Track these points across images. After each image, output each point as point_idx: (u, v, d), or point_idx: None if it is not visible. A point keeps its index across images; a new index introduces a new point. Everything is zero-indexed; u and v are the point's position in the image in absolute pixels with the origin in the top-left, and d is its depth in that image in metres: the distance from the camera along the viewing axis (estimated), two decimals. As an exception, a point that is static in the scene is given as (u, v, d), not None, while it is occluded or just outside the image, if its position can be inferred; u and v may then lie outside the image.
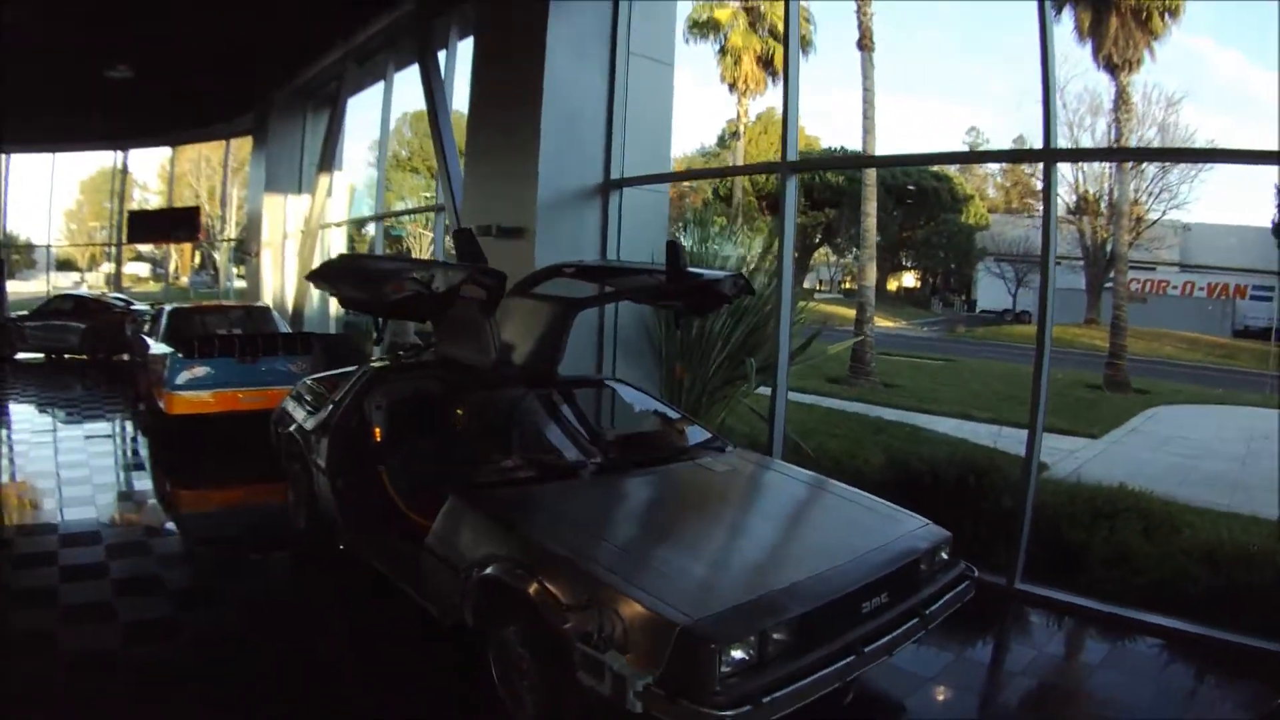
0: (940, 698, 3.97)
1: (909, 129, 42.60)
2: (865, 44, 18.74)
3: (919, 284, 41.32)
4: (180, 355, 8.40)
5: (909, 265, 40.79)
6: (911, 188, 33.61)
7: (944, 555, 3.85)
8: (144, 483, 7.60)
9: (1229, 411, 17.68)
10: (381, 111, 12.38)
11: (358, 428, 4.80)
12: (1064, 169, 25.40)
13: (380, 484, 4.56)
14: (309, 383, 5.90)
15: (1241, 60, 42.74)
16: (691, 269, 4.66)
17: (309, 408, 5.44)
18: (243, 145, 34.37)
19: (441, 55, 10.37)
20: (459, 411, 5.11)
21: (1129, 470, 9.22)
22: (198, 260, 32.95)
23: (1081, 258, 32.39)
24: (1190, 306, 34.27)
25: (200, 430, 8.54)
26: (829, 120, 57.42)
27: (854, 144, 29.45)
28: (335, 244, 14.23)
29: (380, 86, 12.85)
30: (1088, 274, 32.99)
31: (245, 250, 15.19)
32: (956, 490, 5.88)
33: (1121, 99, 19.55)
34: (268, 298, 14.67)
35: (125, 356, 12.52)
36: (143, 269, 38.88)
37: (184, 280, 29.53)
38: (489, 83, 7.95)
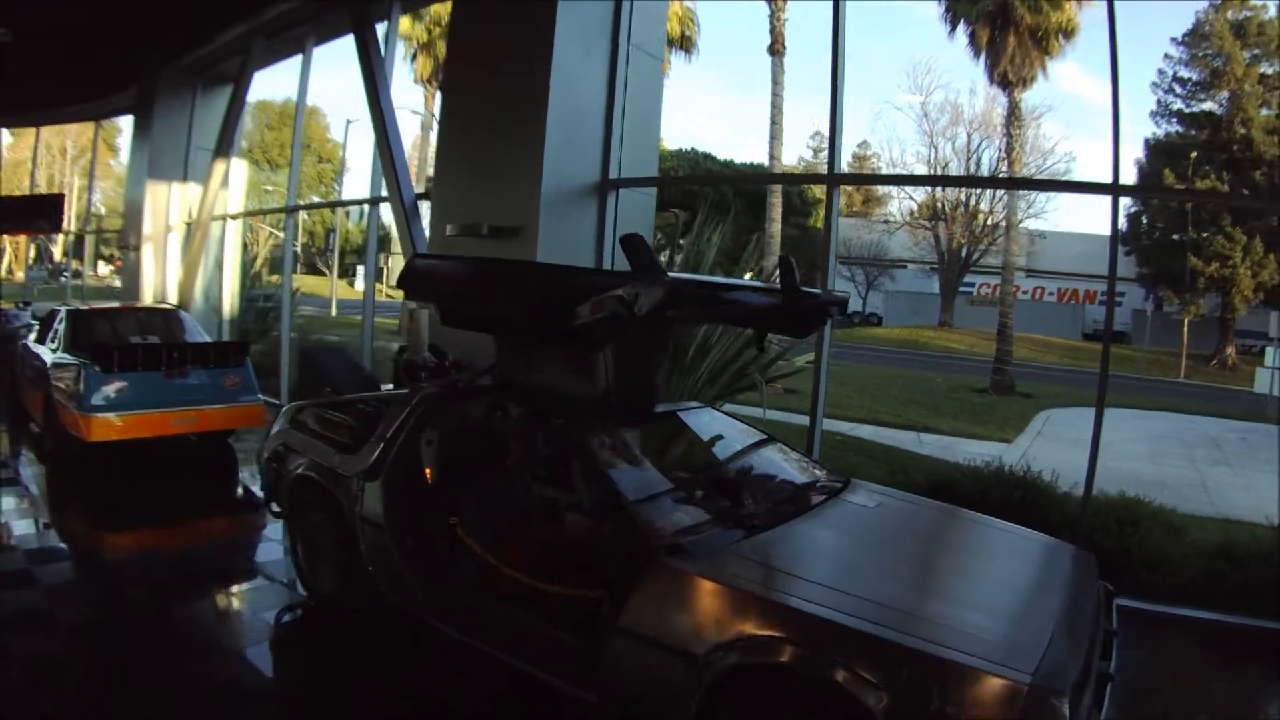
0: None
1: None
2: (777, 49, 18.84)
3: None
4: (97, 369, 7.14)
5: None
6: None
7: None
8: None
9: (1111, 414, 18.76)
10: (298, 89, 11.20)
11: (419, 470, 4.06)
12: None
13: (456, 539, 3.85)
14: (321, 411, 4.89)
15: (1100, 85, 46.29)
16: (806, 288, 4.15)
17: (334, 444, 4.53)
18: (83, 131, 31.14)
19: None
20: (539, 447, 4.42)
21: (1064, 475, 9.49)
22: (33, 254, 29.34)
23: (936, 263, 34.29)
24: (1041, 311, 36.84)
25: (119, 457, 7.31)
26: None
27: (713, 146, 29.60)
28: (231, 237, 12.85)
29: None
30: (942, 278, 34.95)
31: (123, 243, 13.40)
32: (1003, 507, 5.79)
33: (1013, 115, 20.54)
34: (147, 296, 13.03)
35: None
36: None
37: (19, 275, 26.14)
38: (479, 70, 7.19)
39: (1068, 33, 19.72)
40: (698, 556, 3.11)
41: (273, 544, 5.81)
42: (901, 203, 34.28)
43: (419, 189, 8.60)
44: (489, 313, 3.67)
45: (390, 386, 5.77)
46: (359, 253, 46.42)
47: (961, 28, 20.54)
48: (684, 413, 4.55)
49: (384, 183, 8.81)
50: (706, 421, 4.58)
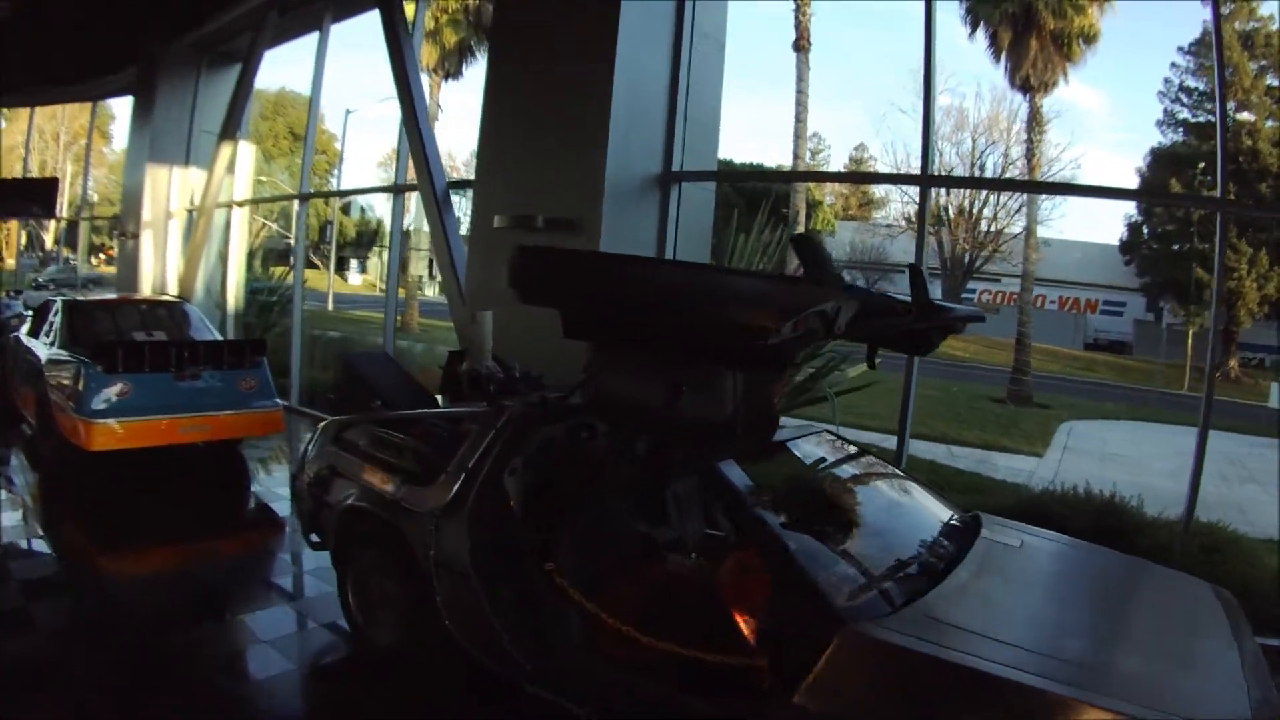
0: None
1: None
2: (802, 44, 18.29)
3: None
4: (99, 368, 6.43)
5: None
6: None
7: None
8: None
9: (1131, 426, 18.56)
10: (314, 69, 10.47)
11: (508, 507, 3.44)
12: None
13: (557, 589, 3.24)
14: (375, 431, 4.19)
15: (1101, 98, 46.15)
16: (940, 302, 3.59)
17: (399, 471, 3.86)
18: (78, 114, 29.94)
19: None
20: (655, 480, 3.77)
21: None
22: (24, 240, 28.22)
23: (939, 269, 33.87)
24: (1043, 319, 36.63)
25: (121, 468, 6.61)
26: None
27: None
28: (236, 226, 12.10)
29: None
30: (945, 284, 34.57)
31: (121, 231, 12.62)
32: (1096, 534, 5.31)
33: (1035, 120, 20.12)
34: (146, 287, 12.27)
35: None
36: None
37: (9, 263, 25.07)
38: (531, 55, 6.60)
39: (1089, 38, 19.31)
40: (890, 622, 2.66)
41: (306, 574, 5.19)
42: (904, 205, 33.72)
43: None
44: (648, 325, 3.08)
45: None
46: (354, 246, 45.66)
47: (982, 30, 20.06)
48: (803, 439, 3.94)
49: (413, 170, 8.20)
50: (825, 449, 3.97)
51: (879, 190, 40.06)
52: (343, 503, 4.01)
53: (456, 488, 3.49)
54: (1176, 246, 28.75)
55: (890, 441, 6.88)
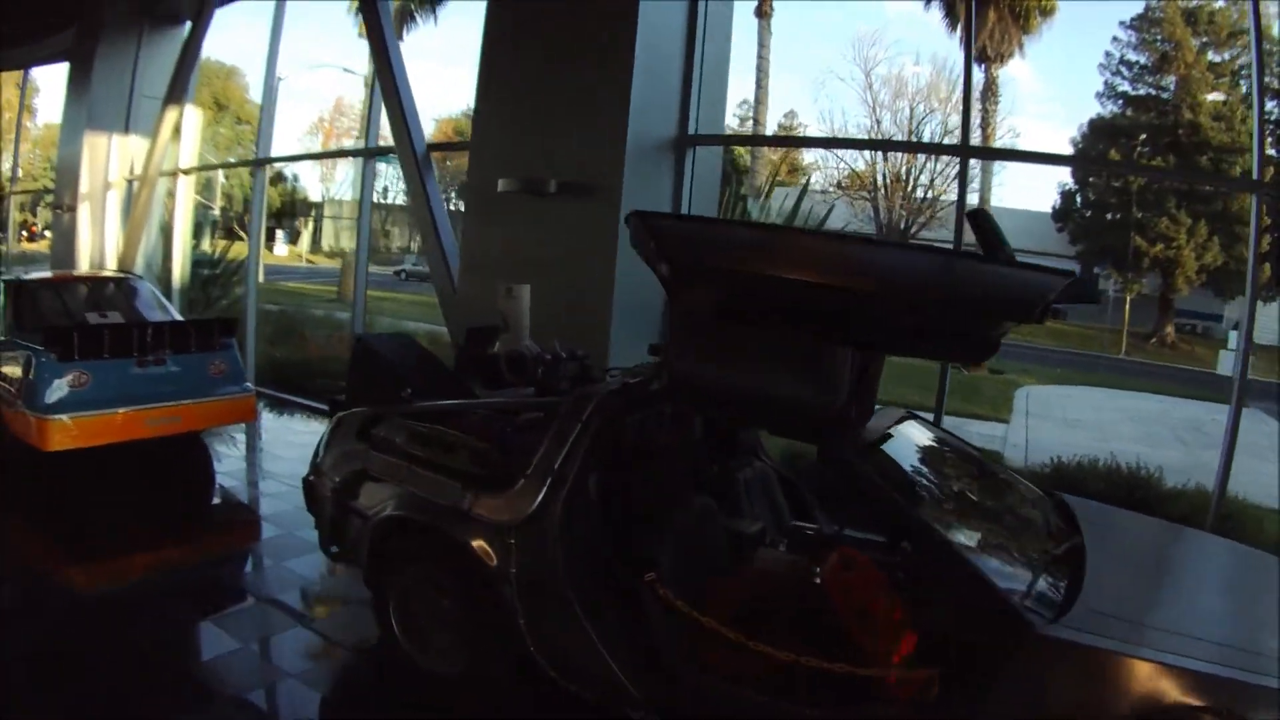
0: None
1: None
2: (765, 10, 17.90)
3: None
4: (52, 356, 5.70)
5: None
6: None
7: None
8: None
9: (1084, 391, 18.93)
10: (272, 23, 9.61)
11: (598, 511, 3.02)
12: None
13: (664, 602, 2.83)
14: (415, 425, 3.62)
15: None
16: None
17: (457, 475, 3.32)
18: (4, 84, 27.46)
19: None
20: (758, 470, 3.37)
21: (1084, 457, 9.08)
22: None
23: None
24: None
25: (82, 466, 5.90)
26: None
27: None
28: (182, 196, 11.21)
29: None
30: (883, 249, 34.72)
31: (58, 203, 11.58)
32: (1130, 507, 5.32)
33: (990, 90, 20.17)
34: (84, 263, 11.27)
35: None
36: None
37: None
38: (538, 8, 6.05)
39: (1045, 10, 19.40)
40: (1071, 621, 2.50)
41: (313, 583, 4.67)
42: (835, 171, 33.47)
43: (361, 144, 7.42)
44: (842, 310, 2.68)
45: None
46: (277, 217, 43.84)
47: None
48: (901, 424, 3.58)
49: (391, 132, 7.57)
50: (922, 435, 3.64)
51: (808, 156, 39.59)
52: (381, 512, 3.48)
53: (543, 494, 3.02)
54: (1110, 215, 29.40)
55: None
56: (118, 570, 4.71)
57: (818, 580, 2.98)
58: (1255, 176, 5.42)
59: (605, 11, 5.70)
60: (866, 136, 24.15)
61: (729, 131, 23.84)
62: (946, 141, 25.57)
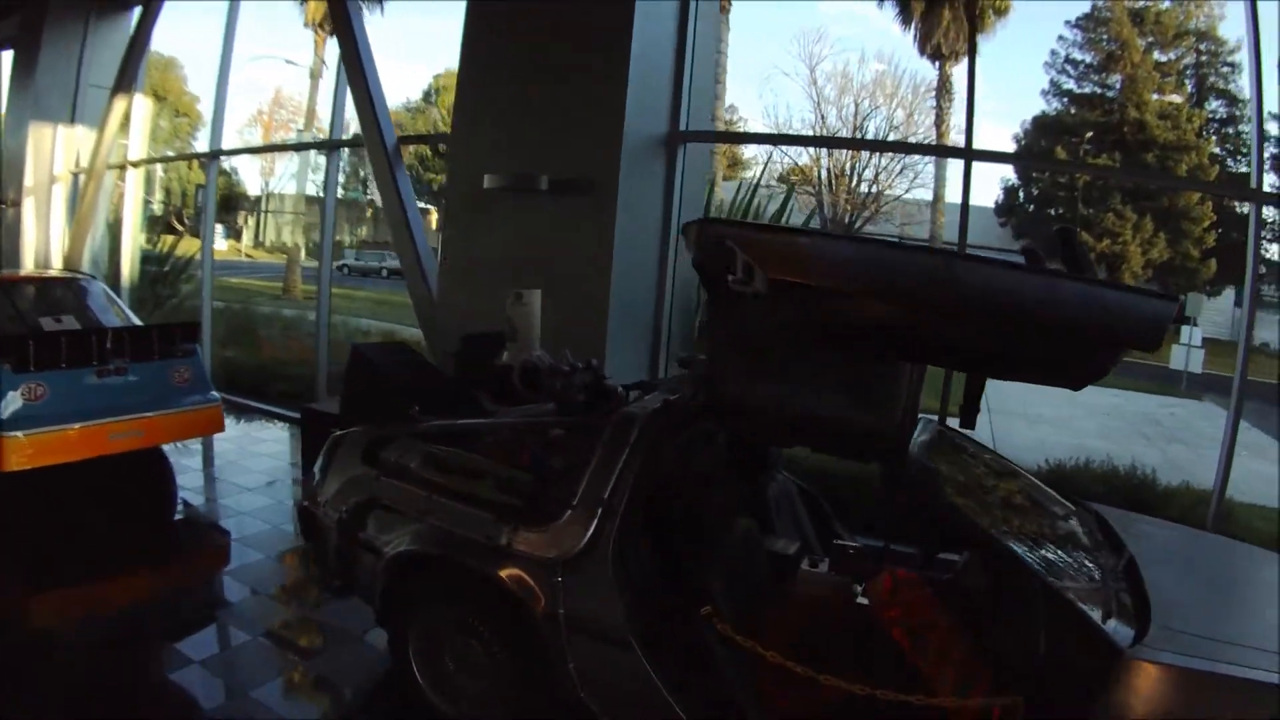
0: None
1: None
2: (724, 4, 17.75)
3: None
4: (6, 367, 5.27)
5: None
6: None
7: None
8: None
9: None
10: (227, 13, 9.16)
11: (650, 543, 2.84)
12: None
13: (725, 639, 2.65)
14: (431, 448, 3.38)
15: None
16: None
17: (488, 505, 3.06)
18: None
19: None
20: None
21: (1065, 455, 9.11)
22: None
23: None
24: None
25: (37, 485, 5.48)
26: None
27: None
28: (131, 189, 10.67)
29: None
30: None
31: (1, 198, 10.91)
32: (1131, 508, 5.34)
33: (944, 88, 20.40)
34: (28, 261, 10.66)
35: None
36: None
37: None
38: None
39: (999, 10, 19.67)
40: (1154, 643, 2.40)
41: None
42: (777, 165, 33.51)
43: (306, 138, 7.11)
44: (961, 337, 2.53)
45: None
46: (221, 211, 42.57)
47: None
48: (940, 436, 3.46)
49: (359, 124, 7.23)
50: (964, 448, 3.53)
51: (748, 151, 39.43)
52: (397, 547, 3.18)
53: (593, 527, 2.81)
54: (1055, 211, 30.07)
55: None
56: (79, 602, 4.37)
57: (862, 600, 2.87)
58: (1254, 185, 5.47)
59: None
60: (851, 136, 24.10)
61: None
62: (948, 143, 25.86)
